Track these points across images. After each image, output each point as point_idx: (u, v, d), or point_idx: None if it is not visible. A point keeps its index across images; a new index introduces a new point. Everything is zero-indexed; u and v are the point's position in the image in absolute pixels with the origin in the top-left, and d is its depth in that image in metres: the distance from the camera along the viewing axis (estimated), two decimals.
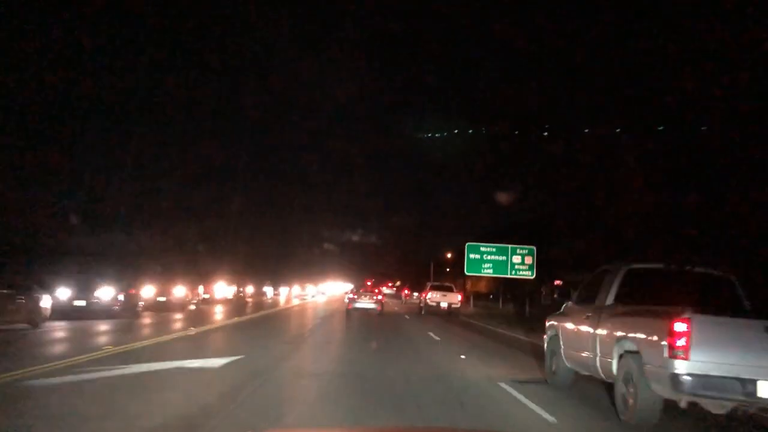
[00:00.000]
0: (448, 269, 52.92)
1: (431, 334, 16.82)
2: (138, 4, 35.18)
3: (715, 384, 5.24)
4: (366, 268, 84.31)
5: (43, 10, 26.00)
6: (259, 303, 35.00)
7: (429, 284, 31.64)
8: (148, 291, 21.64)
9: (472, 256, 26.39)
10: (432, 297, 29.09)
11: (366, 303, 25.59)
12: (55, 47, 25.60)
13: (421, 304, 31.06)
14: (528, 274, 26.38)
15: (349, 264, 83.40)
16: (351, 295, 27.03)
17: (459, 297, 29.67)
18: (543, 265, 28.00)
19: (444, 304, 28.74)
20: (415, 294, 68.88)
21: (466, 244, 26.98)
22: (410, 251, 71.93)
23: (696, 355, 5.25)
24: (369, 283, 29.58)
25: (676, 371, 5.27)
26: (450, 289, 30.14)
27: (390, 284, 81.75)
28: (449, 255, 52.25)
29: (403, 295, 69.78)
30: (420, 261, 65.97)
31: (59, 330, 13.62)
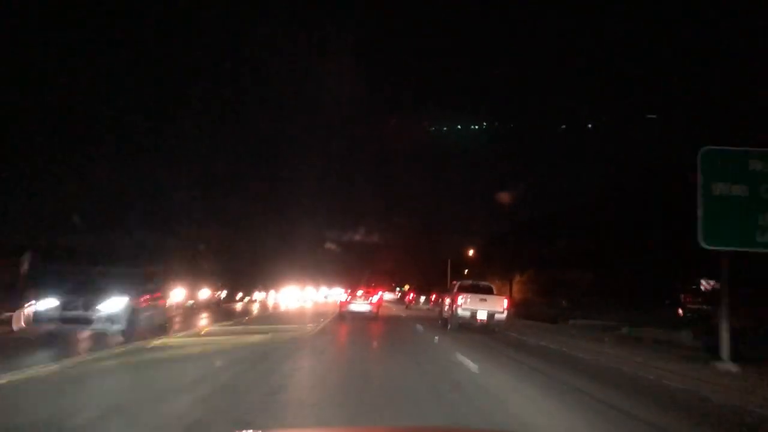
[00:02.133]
0: (466, 270, 42.64)
1: None
2: (135, 6, 33.13)
3: None
4: (363, 269, 73.91)
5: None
6: None
7: (456, 284, 21.28)
8: None
9: (721, 189, 10.62)
10: (465, 303, 19.07)
11: (360, 306, 24.43)
12: (50, 50, 23.56)
13: (445, 314, 21.13)
14: None
15: (344, 266, 72.79)
16: (346, 297, 25.83)
17: (505, 303, 19.68)
18: None
19: (482, 315, 18.80)
20: (422, 298, 59.15)
21: (702, 151, 10.85)
22: (416, 251, 61.81)
23: None
24: (362, 291, 25.73)
25: None
26: (489, 291, 20.37)
27: (389, 288, 71.04)
28: (471, 252, 42.03)
29: (406, 300, 59.98)
30: (429, 262, 55.91)
31: None
